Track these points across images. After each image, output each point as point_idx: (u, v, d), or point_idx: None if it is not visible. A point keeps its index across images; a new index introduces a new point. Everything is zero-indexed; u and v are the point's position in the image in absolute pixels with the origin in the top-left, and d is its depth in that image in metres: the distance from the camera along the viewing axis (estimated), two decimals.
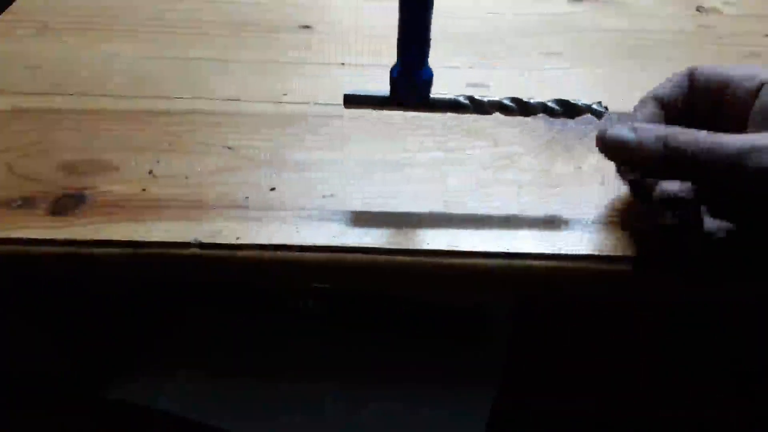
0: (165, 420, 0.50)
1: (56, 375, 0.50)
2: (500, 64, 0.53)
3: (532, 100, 0.40)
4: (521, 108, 0.40)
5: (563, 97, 0.40)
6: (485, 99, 0.40)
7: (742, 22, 0.58)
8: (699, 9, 0.60)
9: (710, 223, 0.37)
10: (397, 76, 0.38)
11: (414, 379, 0.52)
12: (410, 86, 0.39)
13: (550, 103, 0.39)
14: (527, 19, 0.59)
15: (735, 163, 0.32)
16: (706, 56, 0.54)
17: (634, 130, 0.35)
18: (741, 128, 0.36)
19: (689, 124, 0.35)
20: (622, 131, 0.36)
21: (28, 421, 0.51)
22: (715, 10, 0.60)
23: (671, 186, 0.36)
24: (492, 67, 0.53)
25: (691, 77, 0.39)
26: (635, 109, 0.40)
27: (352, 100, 0.40)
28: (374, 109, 0.41)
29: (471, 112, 0.40)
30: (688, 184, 0.36)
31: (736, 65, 0.38)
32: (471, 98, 0.40)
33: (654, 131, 0.35)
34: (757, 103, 0.36)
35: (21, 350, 0.48)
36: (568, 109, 0.39)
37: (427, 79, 0.39)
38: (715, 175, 0.34)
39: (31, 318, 0.47)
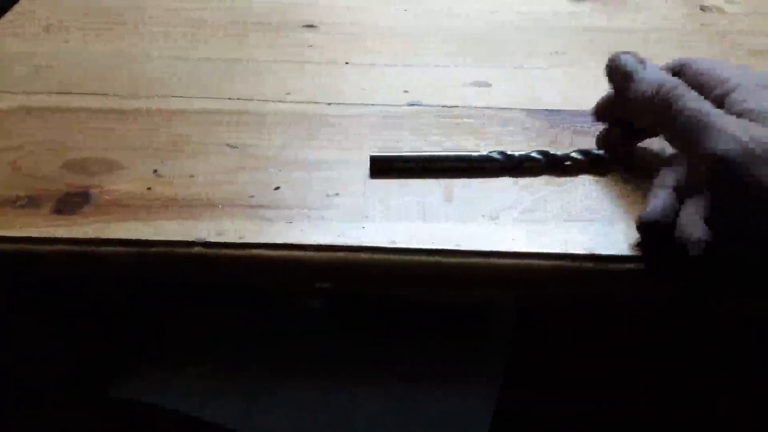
0: (171, 418, 0.50)
1: (62, 374, 0.50)
2: (502, 63, 0.53)
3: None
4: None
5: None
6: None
7: (745, 21, 0.58)
8: (702, 8, 0.60)
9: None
10: None
11: (416, 378, 0.52)
12: None
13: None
14: (529, 18, 0.59)
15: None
16: (709, 55, 0.54)
17: (643, 63, 0.38)
18: None
19: None
20: (632, 60, 0.39)
21: (33, 421, 0.51)
22: (718, 9, 0.60)
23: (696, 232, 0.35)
24: (494, 66, 0.53)
25: (682, 69, 0.40)
26: None
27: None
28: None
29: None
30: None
31: (729, 67, 0.38)
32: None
33: (659, 74, 0.37)
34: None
35: (26, 349, 0.48)
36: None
37: None
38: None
39: (36, 317, 0.48)
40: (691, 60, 0.40)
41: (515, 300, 0.55)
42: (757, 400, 0.53)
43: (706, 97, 0.37)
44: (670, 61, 0.41)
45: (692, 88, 0.38)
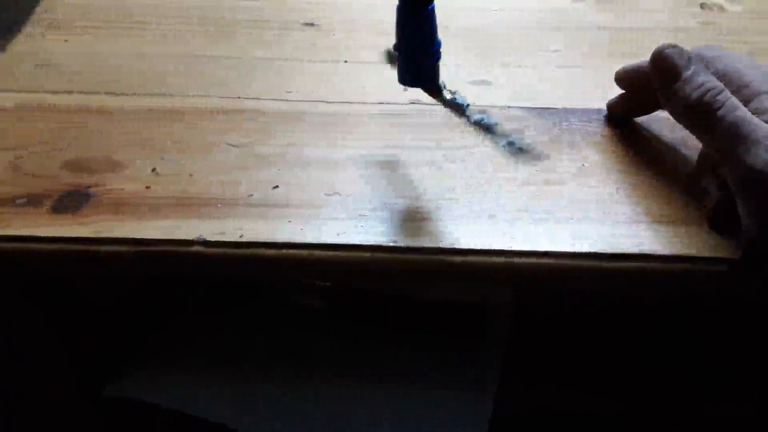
0: (168, 417, 0.50)
1: (59, 373, 0.50)
2: (503, 61, 0.53)
3: None
4: None
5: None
6: None
7: (745, 19, 0.58)
8: (702, 6, 0.60)
9: None
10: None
11: (414, 377, 0.52)
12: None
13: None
14: (530, 15, 0.58)
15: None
16: None
17: (689, 60, 0.37)
18: None
19: None
20: (679, 56, 0.37)
21: (29, 420, 0.51)
22: (718, 7, 0.60)
23: None
24: (495, 64, 0.53)
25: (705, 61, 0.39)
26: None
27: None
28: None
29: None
30: None
31: (747, 66, 0.38)
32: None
33: (704, 76, 0.36)
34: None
35: (24, 348, 0.48)
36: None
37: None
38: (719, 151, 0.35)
39: (34, 315, 0.48)
40: (707, 55, 0.39)
41: (513, 298, 0.55)
42: (758, 400, 0.53)
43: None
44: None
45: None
